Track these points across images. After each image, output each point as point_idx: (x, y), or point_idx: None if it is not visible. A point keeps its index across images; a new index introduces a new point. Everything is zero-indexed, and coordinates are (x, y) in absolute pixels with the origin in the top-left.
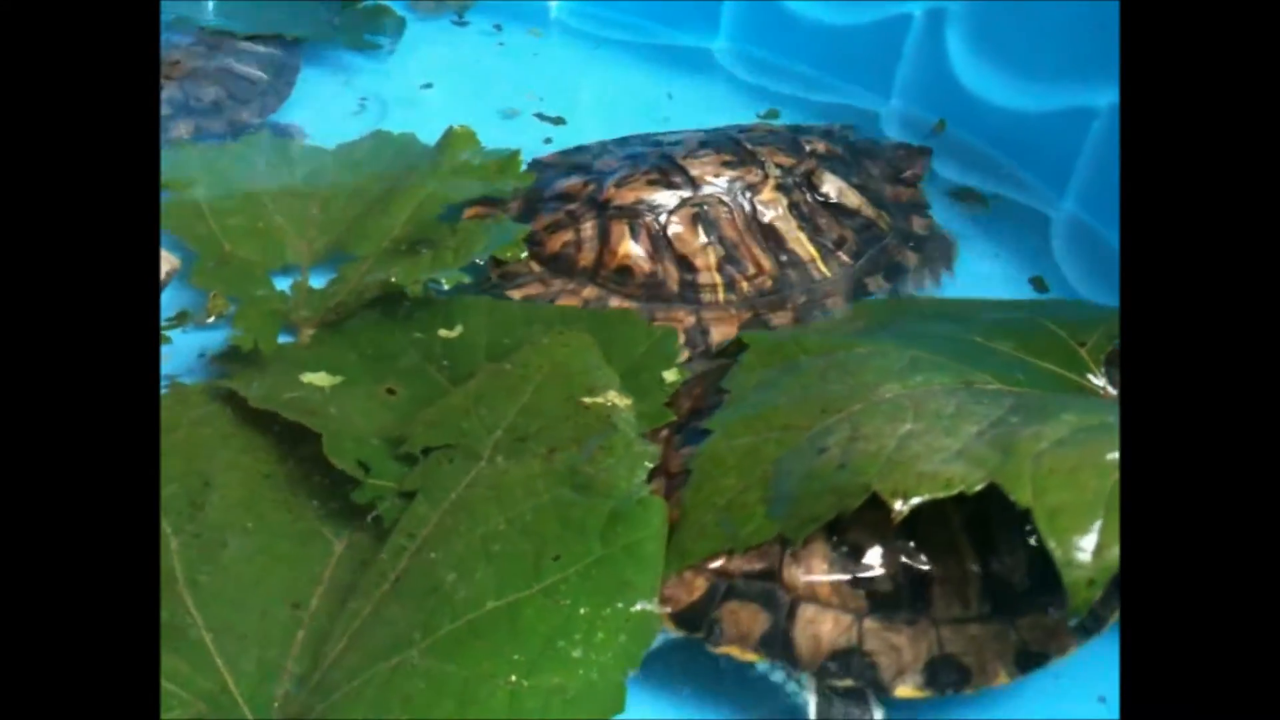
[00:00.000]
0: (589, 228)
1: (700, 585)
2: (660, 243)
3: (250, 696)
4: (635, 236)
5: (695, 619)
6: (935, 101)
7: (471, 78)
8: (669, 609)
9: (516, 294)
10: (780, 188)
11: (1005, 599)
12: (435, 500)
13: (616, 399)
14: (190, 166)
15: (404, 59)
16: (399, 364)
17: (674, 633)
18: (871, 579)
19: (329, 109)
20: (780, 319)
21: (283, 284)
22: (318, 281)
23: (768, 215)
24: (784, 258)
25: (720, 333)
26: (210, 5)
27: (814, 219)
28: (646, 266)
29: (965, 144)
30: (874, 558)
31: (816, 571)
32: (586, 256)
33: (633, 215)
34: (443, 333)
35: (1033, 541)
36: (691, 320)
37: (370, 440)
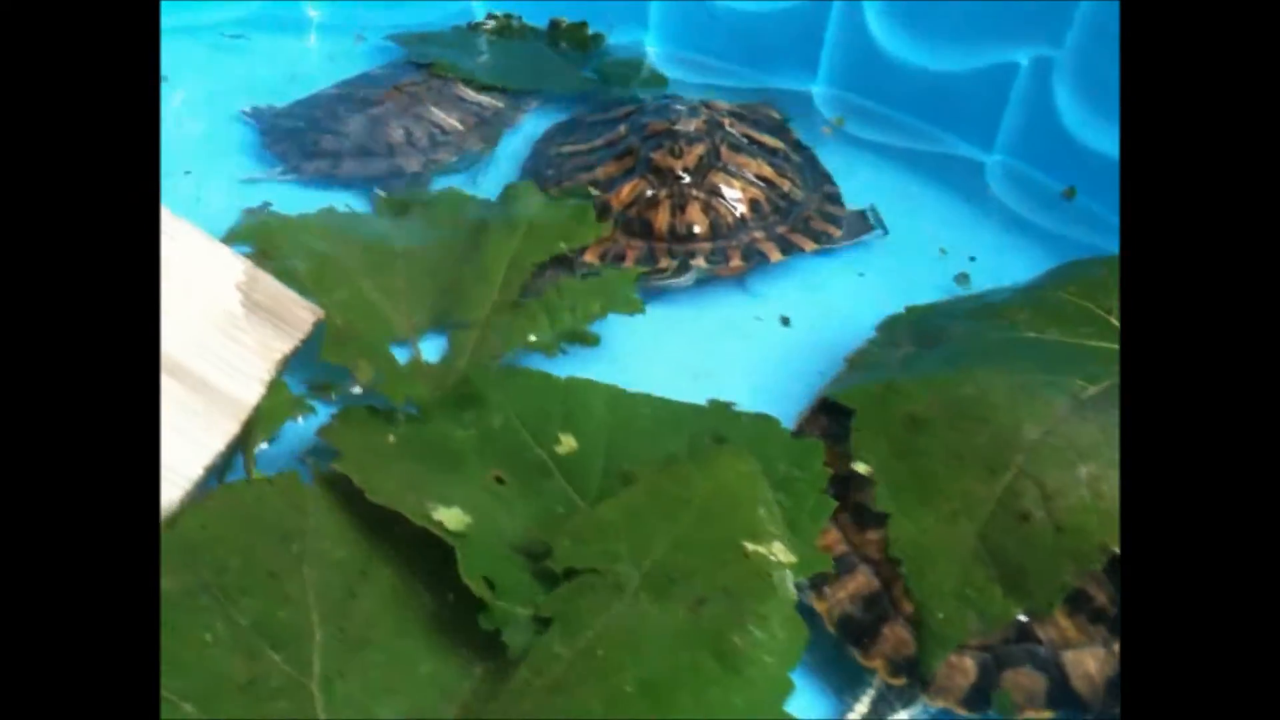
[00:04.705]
0: (698, 191)
1: (970, 666)
2: (739, 170)
3: None
4: (734, 176)
5: (981, 697)
6: (1041, 155)
7: None
8: (953, 697)
9: (726, 271)
10: (729, 115)
11: None
12: (570, 635)
13: (782, 554)
14: (277, 238)
15: None
16: (505, 446)
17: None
18: (1098, 608)
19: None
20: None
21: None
22: (429, 354)
23: (745, 132)
24: (778, 159)
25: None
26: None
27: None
28: (762, 191)
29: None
30: (1089, 586)
31: (1058, 619)
32: (724, 212)
33: (709, 167)
34: (562, 443)
35: None
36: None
37: (499, 549)
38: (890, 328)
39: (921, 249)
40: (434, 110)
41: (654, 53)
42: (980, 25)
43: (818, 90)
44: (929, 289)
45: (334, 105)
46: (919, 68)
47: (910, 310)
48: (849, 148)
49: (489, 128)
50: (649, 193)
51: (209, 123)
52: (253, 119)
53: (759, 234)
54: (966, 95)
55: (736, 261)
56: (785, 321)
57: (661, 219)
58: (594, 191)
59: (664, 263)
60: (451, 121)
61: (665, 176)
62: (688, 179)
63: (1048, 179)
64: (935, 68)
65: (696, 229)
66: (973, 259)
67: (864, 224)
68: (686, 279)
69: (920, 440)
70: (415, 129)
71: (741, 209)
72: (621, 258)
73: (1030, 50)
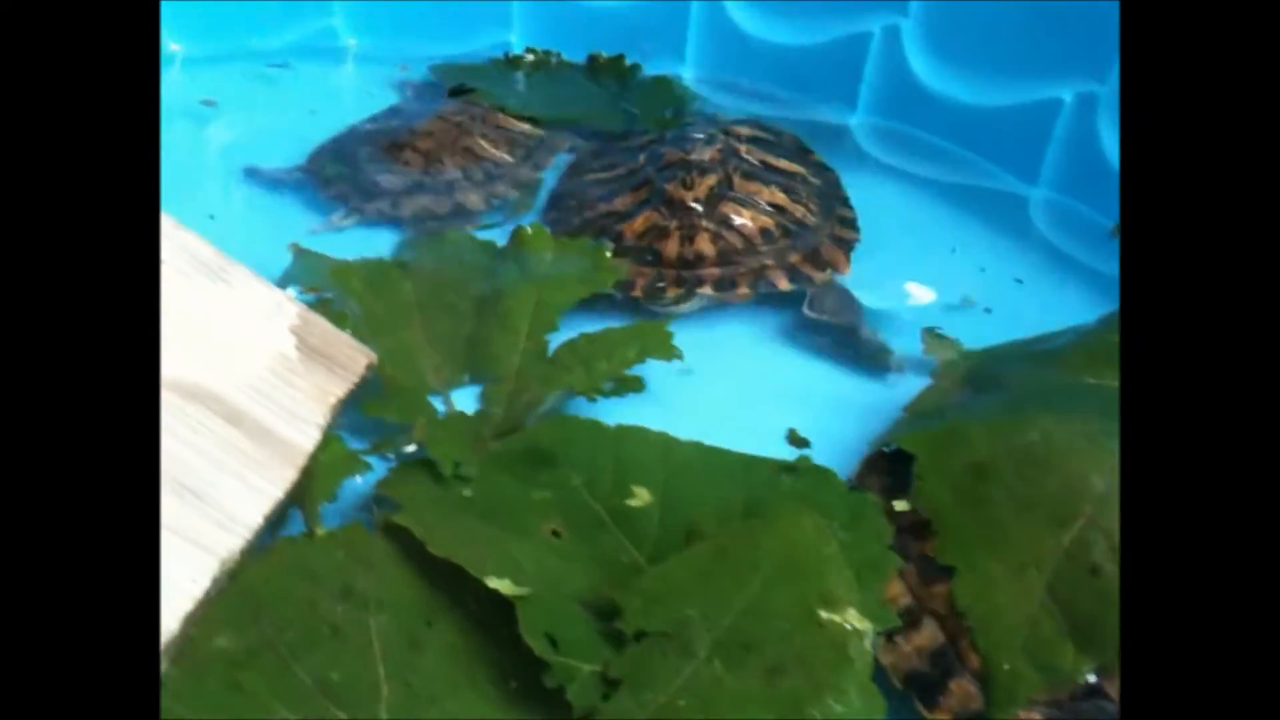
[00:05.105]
0: (708, 222)
1: None
2: (751, 198)
3: None
4: (745, 205)
5: None
6: (1087, 190)
7: None
8: None
9: (734, 298)
10: (749, 140)
11: None
12: (643, 699)
13: (857, 621)
14: (322, 282)
15: None
16: (560, 497)
17: None
18: None
19: None
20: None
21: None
22: (461, 403)
23: (762, 158)
24: (794, 183)
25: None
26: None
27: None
28: (772, 219)
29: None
30: None
31: None
32: (733, 241)
33: (720, 197)
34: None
35: None
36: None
37: (560, 605)
38: (946, 374)
39: (965, 285)
40: (482, 143)
41: (691, 85)
42: (1023, 60)
43: (856, 122)
44: (974, 326)
45: (376, 142)
46: (960, 102)
47: (965, 355)
48: (888, 180)
49: (537, 158)
50: (660, 223)
51: (244, 160)
52: (261, 174)
53: (769, 261)
54: (1009, 129)
55: (744, 289)
56: (893, 364)
57: (670, 248)
58: (608, 240)
59: (670, 290)
60: (501, 155)
61: (677, 208)
62: (699, 210)
63: (1094, 214)
64: (977, 102)
65: (705, 258)
66: (1019, 281)
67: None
68: (692, 305)
69: (985, 488)
70: (470, 164)
71: (751, 237)
72: (630, 285)
73: (1075, 86)
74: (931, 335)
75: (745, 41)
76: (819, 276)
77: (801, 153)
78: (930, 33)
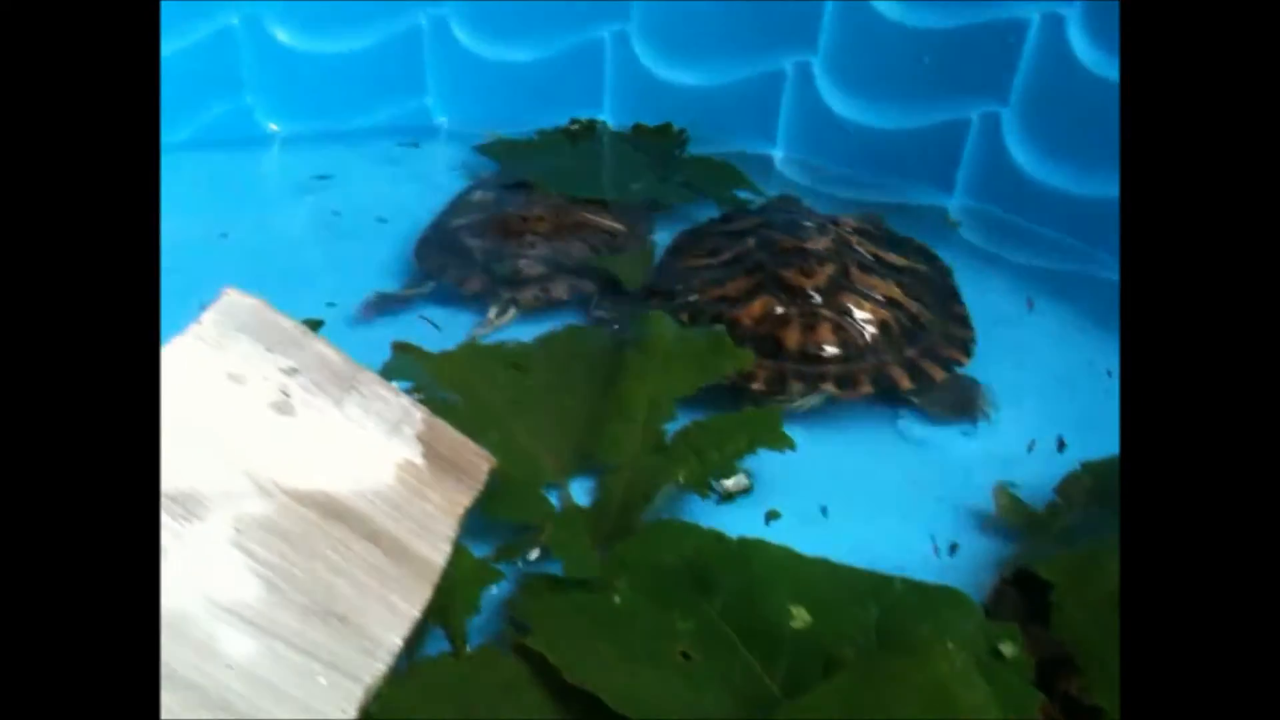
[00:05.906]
0: (828, 311)
1: None
2: (869, 291)
3: None
4: (864, 298)
5: None
6: None
7: None
8: None
9: (853, 395)
10: (854, 233)
11: None
12: None
13: None
14: (425, 376)
15: None
16: (684, 616)
17: None
18: None
19: None
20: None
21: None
22: (580, 498)
23: (873, 251)
24: (905, 278)
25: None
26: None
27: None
28: (890, 314)
29: None
30: None
31: None
32: (854, 334)
33: (839, 287)
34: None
35: None
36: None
37: None
38: (1070, 489)
39: (1076, 376)
40: (590, 216)
41: (780, 160)
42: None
43: (953, 204)
44: (1089, 424)
45: (487, 232)
46: (1062, 191)
47: (1086, 467)
48: (990, 266)
49: (644, 221)
50: (778, 310)
51: (356, 243)
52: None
53: (888, 358)
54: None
55: (865, 387)
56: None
57: (792, 338)
58: (719, 324)
59: (794, 386)
60: (613, 224)
61: (795, 295)
62: (818, 299)
63: None
64: (1080, 192)
65: (826, 350)
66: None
67: (969, 402)
68: (813, 402)
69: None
70: (593, 239)
71: (871, 331)
72: (751, 377)
73: None
74: (1004, 493)
75: (839, 125)
76: (939, 375)
77: (906, 244)
78: (1027, 119)
